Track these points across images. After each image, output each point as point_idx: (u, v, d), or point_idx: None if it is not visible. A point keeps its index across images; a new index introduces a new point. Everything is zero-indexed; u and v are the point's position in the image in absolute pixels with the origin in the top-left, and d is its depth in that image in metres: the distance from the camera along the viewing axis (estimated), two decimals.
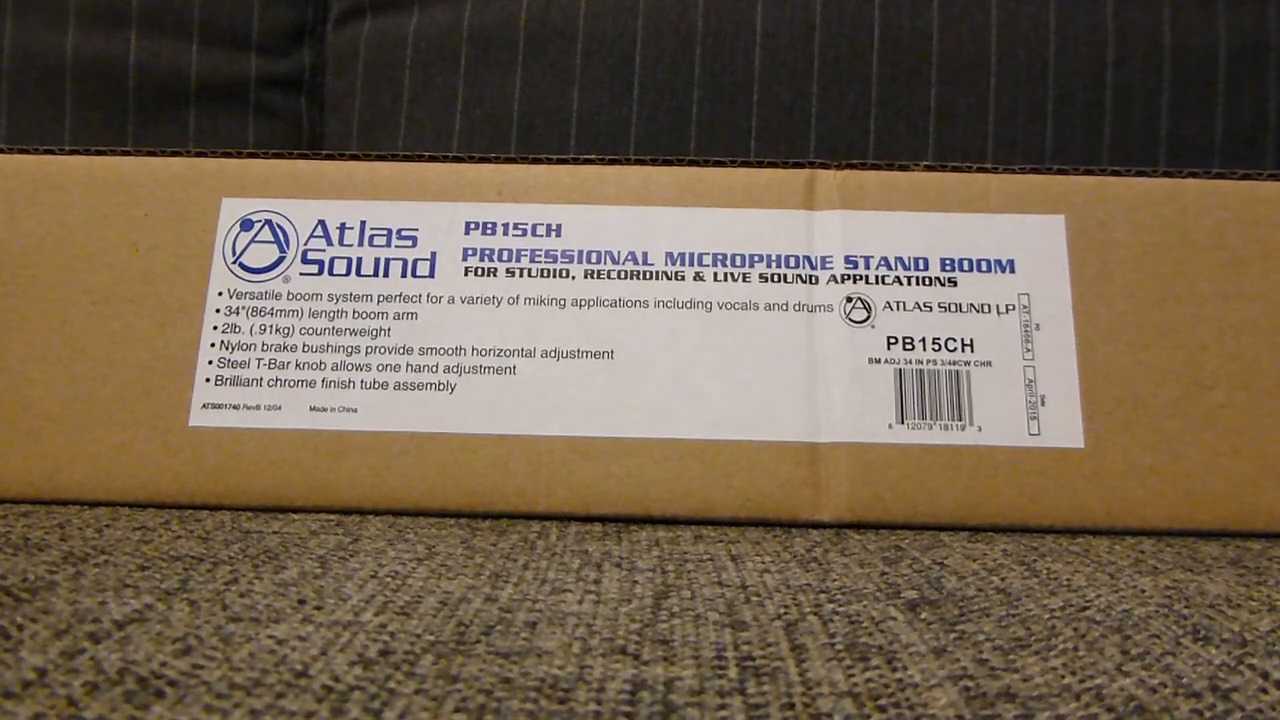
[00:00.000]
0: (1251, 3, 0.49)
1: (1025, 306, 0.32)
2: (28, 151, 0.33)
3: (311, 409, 0.31)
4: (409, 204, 0.33)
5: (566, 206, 0.33)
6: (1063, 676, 0.17)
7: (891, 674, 0.16)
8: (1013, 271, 0.32)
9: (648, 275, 0.32)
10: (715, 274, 0.32)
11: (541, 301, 0.32)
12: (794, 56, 0.49)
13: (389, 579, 0.22)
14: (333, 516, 0.29)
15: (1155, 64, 0.48)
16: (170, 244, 0.32)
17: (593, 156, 0.33)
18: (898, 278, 0.32)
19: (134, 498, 0.30)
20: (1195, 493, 0.30)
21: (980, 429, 0.30)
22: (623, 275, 0.32)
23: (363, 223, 0.32)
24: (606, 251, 0.32)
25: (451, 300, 0.32)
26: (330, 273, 0.32)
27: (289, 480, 0.30)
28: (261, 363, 0.31)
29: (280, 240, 0.32)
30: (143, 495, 0.30)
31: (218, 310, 0.32)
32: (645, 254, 0.32)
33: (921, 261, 0.32)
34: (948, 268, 0.32)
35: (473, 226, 0.32)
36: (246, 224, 0.32)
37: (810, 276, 0.32)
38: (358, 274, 0.32)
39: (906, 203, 0.33)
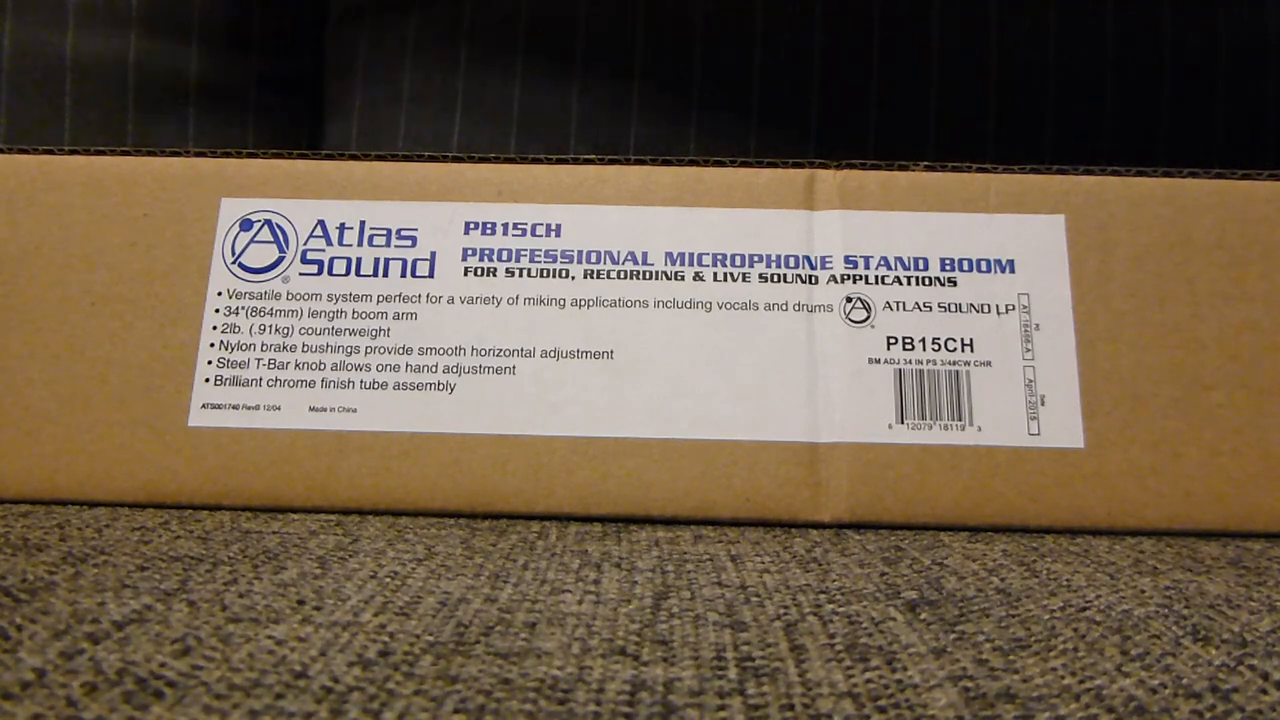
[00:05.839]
0: (1251, 3, 0.49)
1: (1025, 306, 0.31)
2: (27, 151, 0.33)
3: (311, 409, 0.31)
4: (408, 204, 0.33)
5: (566, 206, 0.33)
6: (1062, 677, 0.17)
7: (891, 675, 0.16)
8: (1012, 271, 0.32)
9: (647, 275, 0.32)
10: (715, 274, 0.32)
11: (541, 301, 0.32)
12: (794, 56, 0.49)
13: (388, 579, 0.22)
14: (332, 517, 0.29)
15: (1155, 64, 0.48)
16: (170, 244, 0.32)
17: (592, 156, 0.33)
18: (897, 278, 0.32)
19: (133, 498, 0.30)
20: (1195, 493, 0.30)
21: (980, 429, 0.30)
22: (622, 275, 0.32)
23: (362, 223, 0.32)
24: (606, 251, 0.32)
25: (451, 300, 0.32)
26: (330, 273, 0.32)
27: (288, 480, 0.30)
28: (261, 363, 0.31)
29: (280, 240, 0.32)
30: (142, 495, 0.30)
31: (217, 310, 0.31)
32: (645, 254, 0.32)
33: (921, 261, 0.32)
34: (947, 268, 0.32)
35: (472, 226, 0.32)
36: (246, 224, 0.32)
37: (810, 276, 0.32)
38: (357, 274, 0.32)
39: (906, 203, 0.33)
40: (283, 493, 0.30)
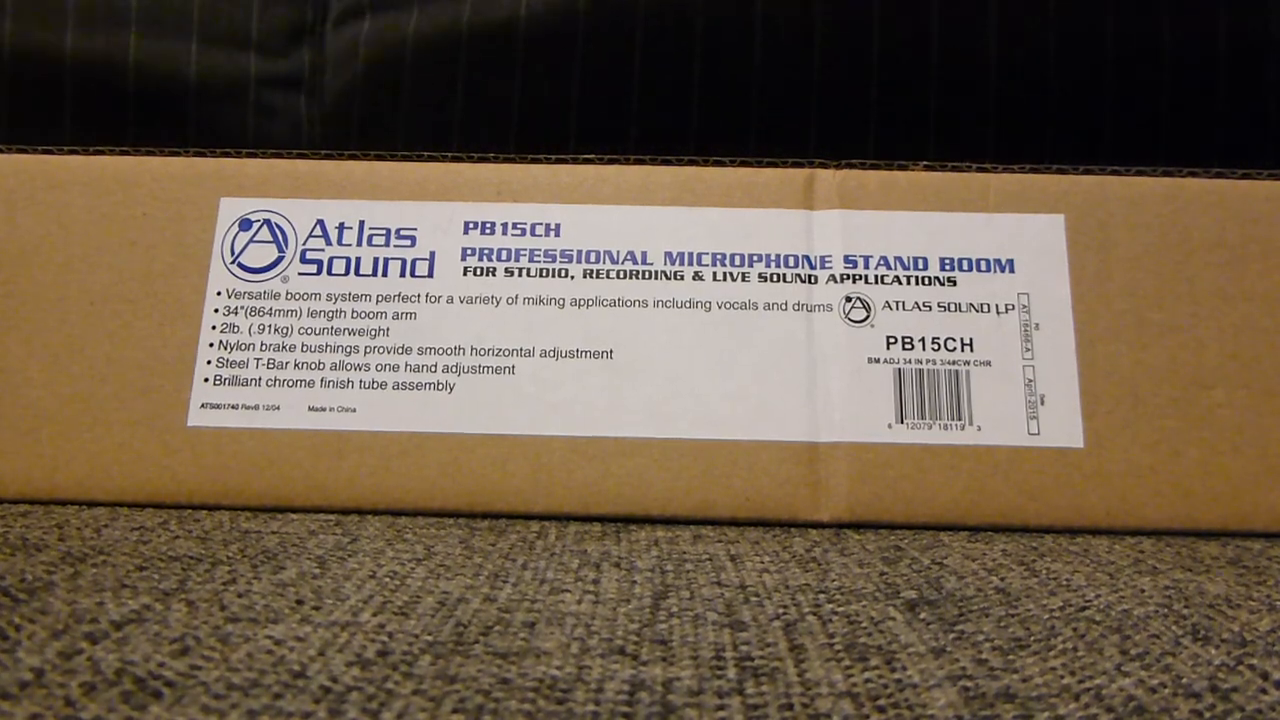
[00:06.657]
0: (1251, 3, 0.49)
1: (1025, 306, 0.31)
2: (27, 151, 0.33)
3: (310, 409, 0.31)
4: (408, 204, 0.33)
5: (565, 206, 0.33)
6: (1062, 677, 0.17)
7: (890, 674, 0.16)
8: (1012, 271, 0.32)
9: (647, 275, 0.32)
10: (714, 274, 0.32)
11: (540, 301, 0.32)
12: (794, 56, 0.49)
13: (387, 579, 0.22)
14: (331, 516, 0.29)
15: (1155, 64, 0.48)
16: (169, 244, 0.32)
17: (592, 156, 0.33)
18: (897, 277, 0.32)
19: (132, 498, 0.30)
20: (1195, 492, 0.30)
21: (980, 429, 0.30)
22: (622, 275, 0.32)
23: (361, 222, 0.32)
24: (605, 251, 0.32)
25: (450, 300, 0.32)
26: (329, 272, 0.32)
27: (288, 480, 0.30)
28: (260, 362, 0.31)
29: (279, 240, 0.32)
30: (141, 495, 0.30)
31: (216, 310, 0.31)
32: (644, 254, 0.32)
33: (921, 261, 0.32)
34: (947, 267, 0.32)
35: (471, 226, 0.32)
36: (245, 224, 0.32)
37: (809, 276, 0.32)
38: (356, 274, 0.32)
39: (906, 202, 0.33)
40: (282, 493, 0.30)
